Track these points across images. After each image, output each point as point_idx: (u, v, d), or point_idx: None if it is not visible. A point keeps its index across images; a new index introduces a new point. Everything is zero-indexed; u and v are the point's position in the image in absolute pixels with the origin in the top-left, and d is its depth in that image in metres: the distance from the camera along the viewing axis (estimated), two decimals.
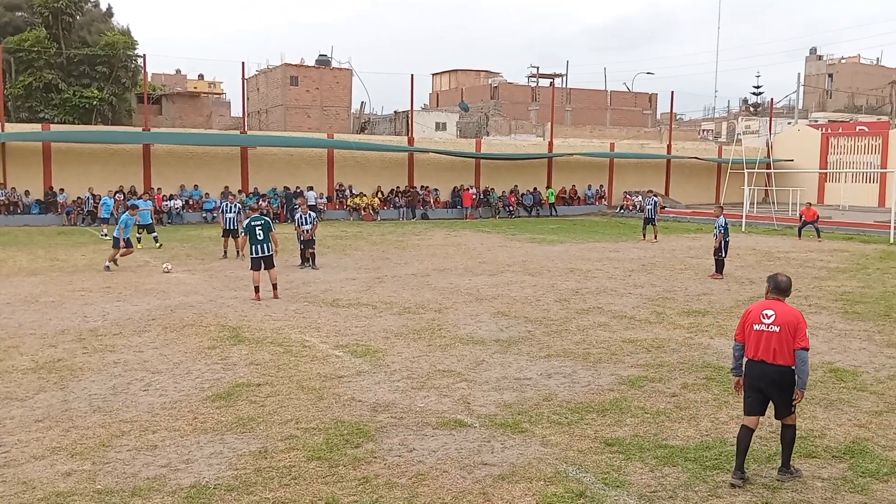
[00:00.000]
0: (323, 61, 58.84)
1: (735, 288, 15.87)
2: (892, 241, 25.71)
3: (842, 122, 53.22)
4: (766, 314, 6.13)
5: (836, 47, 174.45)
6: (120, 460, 6.47)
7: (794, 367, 6.02)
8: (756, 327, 6.15)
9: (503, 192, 39.14)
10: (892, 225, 26.52)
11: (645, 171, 43.64)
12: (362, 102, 64.97)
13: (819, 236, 26.14)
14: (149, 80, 44.05)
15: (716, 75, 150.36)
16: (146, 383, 8.72)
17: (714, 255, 17.66)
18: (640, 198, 40.97)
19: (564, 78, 68.34)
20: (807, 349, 6.02)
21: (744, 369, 6.28)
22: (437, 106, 65.87)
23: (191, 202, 33.16)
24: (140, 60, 39.20)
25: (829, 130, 46.24)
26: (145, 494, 5.79)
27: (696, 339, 11.08)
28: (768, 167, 40.96)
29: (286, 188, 34.40)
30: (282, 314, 12.77)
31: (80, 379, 8.82)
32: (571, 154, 40.75)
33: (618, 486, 5.98)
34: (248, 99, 47.52)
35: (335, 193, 35.89)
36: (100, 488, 5.90)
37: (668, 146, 45.00)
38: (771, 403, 6.24)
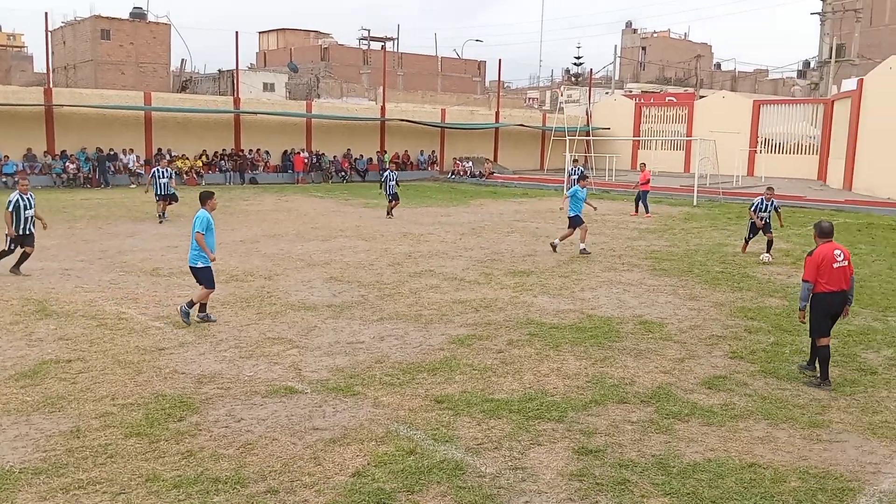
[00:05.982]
0: (138, 14, 55.00)
1: (557, 250, 16.65)
2: (695, 203, 28.07)
3: (653, 92, 56.91)
4: (836, 254, 7.77)
5: (649, 21, 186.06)
6: None
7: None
8: (835, 265, 7.72)
9: (335, 156, 38.64)
10: (695, 189, 29.00)
11: (475, 138, 44.61)
12: (183, 60, 61.34)
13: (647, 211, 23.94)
14: None
15: (540, 45, 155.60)
16: None
17: (766, 234, 15.89)
18: (470, 163, 41.98)
19: (396, 42, 68.41)
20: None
21: (813, 301, 7.75)
22: (265, 66, 63.72)
23: None
24: None
25: (642, 100, 49.34)
26: None
27: (521, 298, 11.56)
28: (588, 135, 43.22)
29: (99, 150, 31.97)
30: (95, 285, 11.93)
31: None
32: (403, 120, 40.85)
33: (447, 441, 6.15)
34: (52, 53, 43.54)
35: (154, 157, 33.81)
36: None
37: (497, 114, 46.17)
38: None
